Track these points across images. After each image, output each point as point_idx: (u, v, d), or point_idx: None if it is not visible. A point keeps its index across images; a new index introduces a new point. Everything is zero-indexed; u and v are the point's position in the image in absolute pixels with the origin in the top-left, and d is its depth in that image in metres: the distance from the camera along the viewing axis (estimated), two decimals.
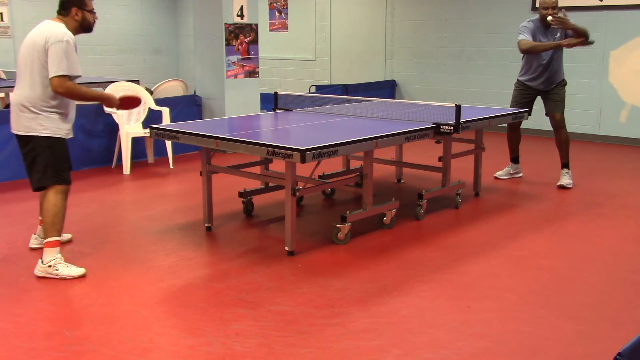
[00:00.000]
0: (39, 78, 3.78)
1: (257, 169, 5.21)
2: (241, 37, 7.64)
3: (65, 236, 4.39)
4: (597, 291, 3.68)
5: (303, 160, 3.76)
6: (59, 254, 3.84)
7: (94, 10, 3.98)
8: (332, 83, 11.03)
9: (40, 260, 3.83)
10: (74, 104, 3.98)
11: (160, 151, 7.22)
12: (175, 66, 13.63)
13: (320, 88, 9.91)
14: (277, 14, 11.86)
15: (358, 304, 3.47)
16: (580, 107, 8.69)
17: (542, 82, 6.07)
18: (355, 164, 5.97)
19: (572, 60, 8.54)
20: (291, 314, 3.33)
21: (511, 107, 6.28)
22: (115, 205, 5.57)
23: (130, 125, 6.85)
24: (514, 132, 6.38)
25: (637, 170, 7.01)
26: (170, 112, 7.07)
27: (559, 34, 5.91)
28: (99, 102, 4.05)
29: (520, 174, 6.58)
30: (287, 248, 4.20)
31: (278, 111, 5.77)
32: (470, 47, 9.55)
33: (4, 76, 9.11)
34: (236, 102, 7.69)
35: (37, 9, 11.20)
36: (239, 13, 7.58)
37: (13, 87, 8.69)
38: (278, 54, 11.88)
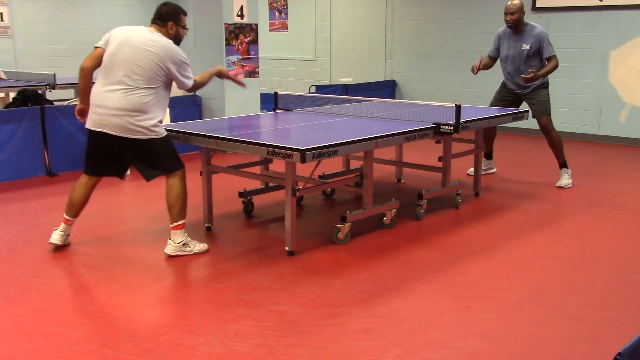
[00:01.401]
0: (152, 86, 4.00)
1: (257, 169, 5.21)
2: (241, 37, 7.64)
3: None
4: (597, 291, 3.68)
5: (303, 160, 3.75)
6: (186, 234, 4.19)
7: (187, 27, 4.25)
8: (332, 83, 11.03)
9: (170, 240, 4.14)
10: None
11: None
12: None
13: (320, 88, 9.91)
14: (277, 14, 11.86)
15: (358, 304, 3.47)
16: (580, 107, 8.69)
17: (513, 85, 6.15)
18: (355, 164, 5.96)
19: (572, 60, 8.56)
20: (291, 314, 3.33)
21: (491, 103, 6.36)
22: (115, 205, 5.57)
23: None
24: (489, 128, 6.34)
25: (637, 170, 7.01)
26: (170, 112, 7.05)
27: (526, 45, 5.91)
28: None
29: (494, 170, 6.60)
30: (287, 248, 4.20)
31: (278, 111, 5.77)
32: (471, 47, 9.55)
33: (4, 76, 9.11)
34: (236, 102, 7.69)
35: (37, 9, 11.20)
36: (239, 13, 7.58)
37: (13, 87, 8.70)
38: (278, 54, 11.88)
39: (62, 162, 6.51)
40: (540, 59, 5.97)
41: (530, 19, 8.82)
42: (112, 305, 3.49)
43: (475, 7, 9.47)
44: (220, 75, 4.57)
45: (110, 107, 3.96)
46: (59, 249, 4.27)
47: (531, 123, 6.35)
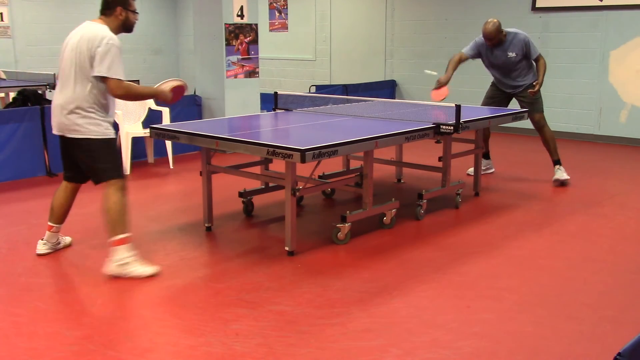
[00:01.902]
0: (86, 81, 3.79)
1: (257, 169, 5.20)
2: (241, 37, 7.64)
3: (67, 239, 4.38)
4: (597, 291, 3.68)
5: (303, 160, 3.75)
6: (133, 251, 3.82)
7: (137, 11, 4.01)
8: (332, 83, 11.02)
9: (111, 259, 3.79)
10: (115, 102, 4.00)
11: (160, 151, 7.22)
12: (175, 66, 13.63)
13: (320, 88, 9.91)
14: (277, 14, 11.86)
15: (358, 304, 3.47)
16: (580, 107, 8.69)
17: (504, 86, 6.22)
18: (355, 164, 5.96)
19: (572, 60, 8.56)
20: (291, 314, 3.33)
21: (482, 102, 6.42)
22: None
23: (130, 125, 6.84)
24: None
25: (637, 170, 7.01)
26: (170, 112, 7.06)
27: (511, 53, 5.98)
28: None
29: (492, 170, 6.63)
30: (287, 248, 4.20)
31: (278, 111, 5.77)
32: None
33: (4, 76, 9.12)
34: (236, 102, 7.69)
35: (37, 9, 11.20)
36: (239, 13, 7.58)
37: (13, 87, 8.72)
38: (278, 54, 11.88)
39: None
40: (527, 60, 6.08)
41: (530, 18, 8.85)
42: (112, 305, 3.48)
43: (475, 7, 9.47)
44: (158, 97, 4.16)
45: (55, 106, 3.90)
46: (58, 250, 4.27)
47: (531, 123, 6.36)
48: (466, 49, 6.28)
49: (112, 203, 3.81)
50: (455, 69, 6.22)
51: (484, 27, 5.97)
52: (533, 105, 6.06)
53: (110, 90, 3.79)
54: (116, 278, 3.80)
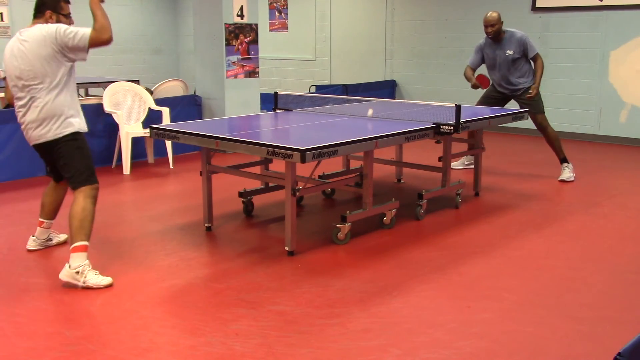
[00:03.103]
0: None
1: (257, 169, 5.21)
2: (241, 37, 7.64)
3: (62, 237, 4.38)
4: (597, 291, 3.68)
5: (303, 160, 3.75)
6: (87, 260, 3.67)
7: (70, 15, 3.81)
8: (332, 83, 11.02)
9: (67, 264, 3.66)
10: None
11: (160, 151, 7.22)
12: (175, 66, 13.63)
13: (320, 88, 9.91)
14: (277, 14, 11.86)
15: (358, 304, 3.47)
16: (580, 107, 8.69)
17: (503, 87, 6.30)
18: (355, 164, 5.96)
19: (572, 60, 8.56)
20: (291, 314, 3.33)
21: (478, 102, 6.53)
22: (115, 205, 5.57)
23: (130, 125, 6.85)
24: None
25: (637, 170, 7.01)
26: (170, 112, 7.06)
27: (509, 51, 6.09)
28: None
29: None
30: (287, 248, 4.20)
31: (278, 111, 5.77)
32: (470, 47, 9.43)
33: (3, 76, 9.12)
34: (236, 102, 7.69)
35: None
36: (239, 13, 7.58)
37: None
38: (278, 54, 11.88)
39: None
40: (526, 60, 6.16)
41: (530, 19, 8.85)
42: (112, 305, 3.48)
43: (475, 7, 9.46)
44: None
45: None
46: (49, 247, 4.27)
47: (531, 123, 6.37)
48: (469, 60, 6.43)
49: (80, 209, 3.71)
50: (472, 75, 6.39)
51: (485, 16, 6.08)
52: (533, 106, 6.12)
53: (96, 43, 3.86)
54: (117, 278, 3.79)
